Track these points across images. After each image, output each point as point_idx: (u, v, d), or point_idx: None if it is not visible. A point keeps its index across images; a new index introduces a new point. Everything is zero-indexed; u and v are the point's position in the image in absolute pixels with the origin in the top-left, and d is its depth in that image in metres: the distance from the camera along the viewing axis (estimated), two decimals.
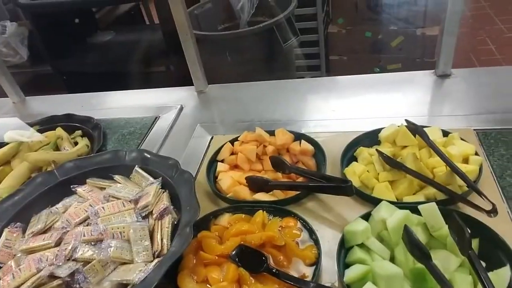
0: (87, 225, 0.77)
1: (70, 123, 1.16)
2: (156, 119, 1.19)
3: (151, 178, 0.85)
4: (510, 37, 3.16)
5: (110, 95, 1.41)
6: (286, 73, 2.15)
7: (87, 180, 0.88)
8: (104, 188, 0.85)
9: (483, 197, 0.71)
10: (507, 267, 0.61)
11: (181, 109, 1.22)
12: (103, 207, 0.78)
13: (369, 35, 2.60)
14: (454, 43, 1.05)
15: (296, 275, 0.67)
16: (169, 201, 0.79)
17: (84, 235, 0.73)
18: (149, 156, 0.89)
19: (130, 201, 0.80)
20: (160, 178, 0.84)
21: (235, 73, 1.95)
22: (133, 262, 0.70)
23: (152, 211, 0.78)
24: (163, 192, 0.82)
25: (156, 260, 0.69)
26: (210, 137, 1.07)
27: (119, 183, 0.86)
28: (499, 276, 0.60)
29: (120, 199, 0.81)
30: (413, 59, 2.55)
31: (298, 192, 0.83)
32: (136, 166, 0.88)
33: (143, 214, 0.77)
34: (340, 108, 1.11)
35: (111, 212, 0.77)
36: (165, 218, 0.76)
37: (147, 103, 1.29)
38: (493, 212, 0.67)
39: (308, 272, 0.68)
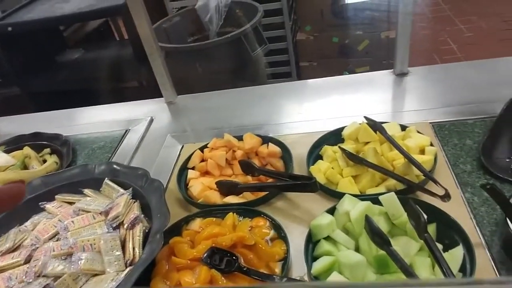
0: (57, 240, 0.77)
1: (38, 141, 1.16)
2: (126, 132, 1.20)
3: (121, 190, 0.86)
4: (469, 36, 3.31)
5: (79, 111, 1.40)
6: (256, 81, 2.19)
7: (56, 196, 0.87)
8: (74, 203, 0.85)
9: (437, 184, 0.75)
10: (460, 247, 0.65)
11: (151, 121, 1.23)
12: (72, 221, 0.78)
13: (336, 40, 2.68)
14: (408, 43, 1.11)
15: (266, 271, 0.69)
16: (140, 210, 0.80)
17: (53, 250, 0.73)
18: (118, 168, 0.90)
19: (100, 213, 0.80)
20: (131, 189, 0.85)
21: (206, 84, 1.97)
22: (105, 273, 0.70)
23: (123, 221, 0.78)
24: (134, 202, 0.83)
25: (128, 269, 0.70)
26: (181, 146, 1.09)
27: (89, 196, 0.86)
28: (453, 255, 0.63)
29: (90, 212, 0.81)
30: (379, 61, 2.65)
31: (267, 193, 0.85)
32: (106, 178, 0.88)
33: (114, 225, 0.78)
34: (306, 110, 1.14)
35: (81, 226, 0.78)
36: (136, 227, 0.77)
37: (116, 117, 1.29)
38: (446, 197, 0.71)
39: (278, 267, 0.70)
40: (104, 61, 2.54)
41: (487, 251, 0.67)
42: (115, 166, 0.90)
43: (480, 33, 3.30)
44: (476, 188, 0.78)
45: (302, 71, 2.84)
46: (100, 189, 0.88)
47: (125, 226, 0.77)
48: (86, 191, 0.88)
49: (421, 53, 3.23)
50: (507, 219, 0.65)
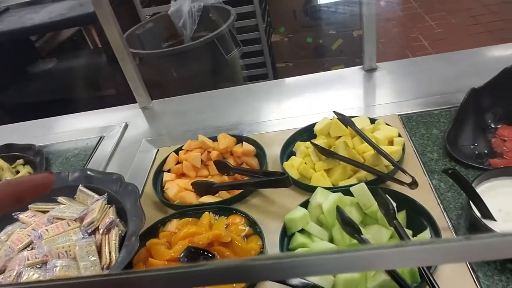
0: (32, 249, 0.76)
1: (10, 153, 1.14)
2: (100, 139, 1.19)
3: (96, 195, 0.86)
4: (439, 32, 3.41)
5: (53, 121, 1.39)
6: (233, 83, 2.20)
7: (29, 206, 0.86)
8: (48, 211, 0.84)
9: (405, 173, 0.77)
10: (427, 231, 0.67)
11: (126, 126, 1.23)
12: (46, 229, 0.78)
13: (310, 40, 2.72)
14: (375, 39, 1.14)
15: None
16: (115, 214, 0.80)
17: (28, 259, 0.72)
18: (92, 174, 0.90)
19: (75, 220, 0.80)
20: (105, 194, 0.85)
21: (182, 88, 1.97)
22: None
23: (98, 226, 0.78)
24: (109, 207, 0.82)
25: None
26: (156, 150, 1.09)
27: (63, 204, 0.85)
28: (420, 239, 0.66)
29: (64, 219, 0.80)
30: (353, 59, 2.69)
31: (242, 191, 0.86)
32: (80, 185, 0.88)
33: (89, 231, 0.78)
34: (280, 109, 1.16)
35: (56, 233, 0.77)
36: (111, 231, 0.77)
37: (91, 125, 1.28)
38: (413, 184, 0.74)
39: None
40: (78, 70, 2.51)
41: (454, 234, 0.70)
42: (89, 172, 0.90)
43: (449, 28, 3.41)
44: (442, 174, 0.81)
45: (278, 72, 2.86)
46: (75, 196, 0.88)
47: (100, 231, 0.77)
48: (60, 198, 0.87)
49: (394, 50, 3.31)
50: (470, 202, 0.67)
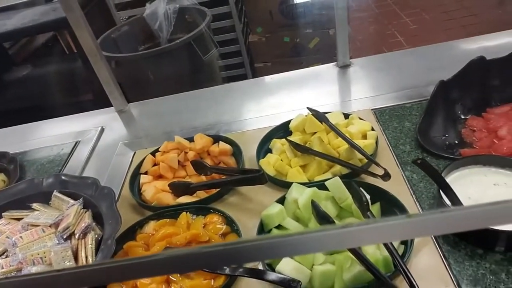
0: (6, 257, 0.74)
1: None
2: (76, 144, 1.17)
3: (71, 201, 0.84)
4: (414, 28, 3.49)
5: (27, 127, 1.36)
6: (212, 84, 2.19)
7: (3, 214, 0.85)
8: (22, 219, 0.83)
9: (378, 165, 0.79)
10: None
11: (102, 130, 1.22)
12: (21, 237, 0.76)
13: (288, 39, 2.74)
14: (347, 36, 1.16)
15: None
16: (91, 219, 0.79)
17: (2, 268, 0.71)
18: (67, 179, 0.89)
19: (50, 226, 0.79)
20: (81, 199, 0.84)
21: (160, 91, 1.95)
22: None
23: (74, 231, 0.77)
24: (86, 212, 0.81)
25: None
26: (133, 153, 1.08)
27: (38, 210, 0.84)
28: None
29: (39, 225, 0.79)
30: (330, 57, 2.72)
31: (219, 190, 0.86)
32: (55, 191, 0.86)
33: (65, 236, 0.76)
34: (256, 108, 1.17)
35: (30, 240, 0.76)
36: (88, 236, 0.76)
37: (66, 130, 1.26)
38: (385, 176, 0.75)
39: None
40: (54, 75, 2.47)
41: None
42: (63, 177, 0.88)
43: (424, 25, 3.49)
44: (415, 166, 0.83)
45: (257, 72, 2.88)
46: (50, 202, 0.86)
47: (76, 236, 0.76)
48: (35, 205, 0.85)
49: (371, 47, 3.37)
50: (440, 191, 0.69)
